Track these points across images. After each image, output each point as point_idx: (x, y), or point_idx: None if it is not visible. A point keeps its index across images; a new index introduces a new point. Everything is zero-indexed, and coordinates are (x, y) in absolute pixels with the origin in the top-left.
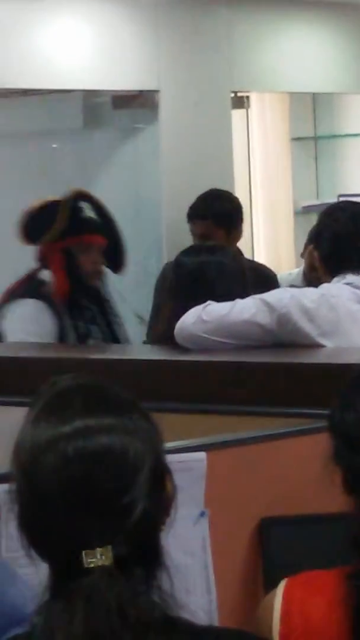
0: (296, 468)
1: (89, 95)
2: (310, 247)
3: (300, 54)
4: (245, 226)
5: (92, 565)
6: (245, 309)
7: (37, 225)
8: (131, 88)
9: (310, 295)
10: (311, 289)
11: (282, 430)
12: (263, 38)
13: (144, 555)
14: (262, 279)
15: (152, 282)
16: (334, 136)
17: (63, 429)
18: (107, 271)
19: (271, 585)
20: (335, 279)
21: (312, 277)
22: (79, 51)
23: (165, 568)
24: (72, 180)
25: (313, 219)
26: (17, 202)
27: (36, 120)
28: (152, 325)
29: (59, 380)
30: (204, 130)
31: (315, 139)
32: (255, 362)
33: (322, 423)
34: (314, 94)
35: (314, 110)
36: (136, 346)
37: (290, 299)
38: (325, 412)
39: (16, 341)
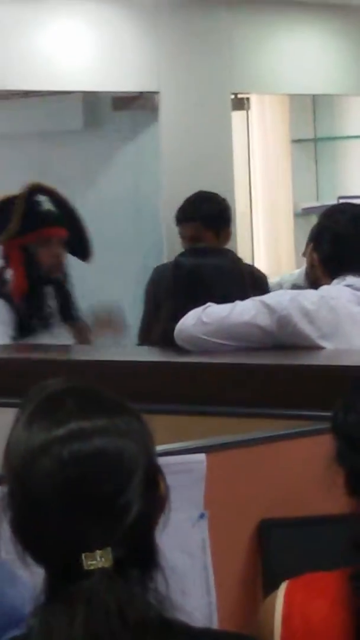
0: (296, 470)
1: (89, 97)
2: (310, 247)
3: (300, 56)
4: (245, 228)
5: (92, 567)
6: (245, 311)
7: None
8: (131, 89)
9: (310, 297)
10: (311, 291)
11: (282, 432)
12: (263, 40)
13: (140, 556)
14: (252, 280)
15: None
16: (334, 138)
17: (57, 432)
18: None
19: (271, 587)
20: (335, 281)
21: (314, 276)
22: (79, 52)
23: (160, 569)
24: (73, 181)
25: (313, 221)
26: None
27: (36, 121)
28: (142, 328)
29: (48, 383)
30: (204, 132)
31: (315, 140)
32: (255, 364)
33: (322, 425)
34: (314, 95)
35: (314, 112)
36: (136, 348)
37: (290, 300)
38: (325, 414)
39: None
